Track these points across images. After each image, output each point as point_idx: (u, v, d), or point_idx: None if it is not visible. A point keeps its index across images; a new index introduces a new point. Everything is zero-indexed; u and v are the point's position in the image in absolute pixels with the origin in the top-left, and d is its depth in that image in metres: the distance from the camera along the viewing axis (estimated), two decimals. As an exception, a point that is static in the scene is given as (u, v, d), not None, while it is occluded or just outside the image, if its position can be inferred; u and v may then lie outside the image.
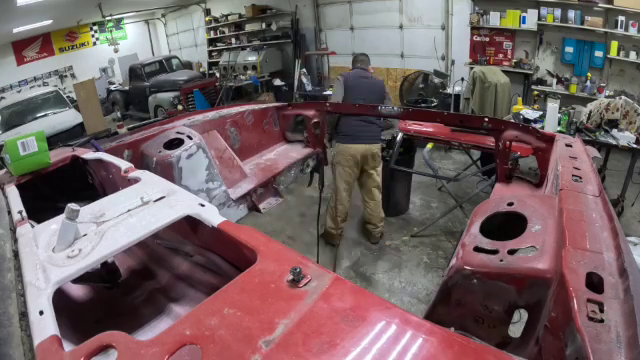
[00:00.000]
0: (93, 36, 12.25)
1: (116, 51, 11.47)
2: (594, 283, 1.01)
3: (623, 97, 4.22)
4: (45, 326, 1.05)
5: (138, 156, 2.68)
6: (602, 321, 0.89)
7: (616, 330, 0.87)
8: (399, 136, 4.00)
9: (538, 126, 4.10)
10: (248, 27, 10.75)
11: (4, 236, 1.50)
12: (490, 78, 5.42)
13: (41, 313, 1.09)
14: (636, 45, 5.33)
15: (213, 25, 11.72)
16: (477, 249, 1.33)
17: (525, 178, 2.60)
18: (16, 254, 1.41)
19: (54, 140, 5.67)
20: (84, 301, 1.96)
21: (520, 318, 1.36)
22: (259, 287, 1.13)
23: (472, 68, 6.39)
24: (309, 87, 7.99)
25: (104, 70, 12.57)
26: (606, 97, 5.05)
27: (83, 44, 12.10)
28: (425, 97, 6.52)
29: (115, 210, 1.59)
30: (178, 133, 2.74)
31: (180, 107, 8.51)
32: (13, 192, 1.94)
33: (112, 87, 11.28)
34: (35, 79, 11.23)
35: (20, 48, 10.74)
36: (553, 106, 4.23)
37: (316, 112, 3.32)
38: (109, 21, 10.84)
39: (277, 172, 3.10)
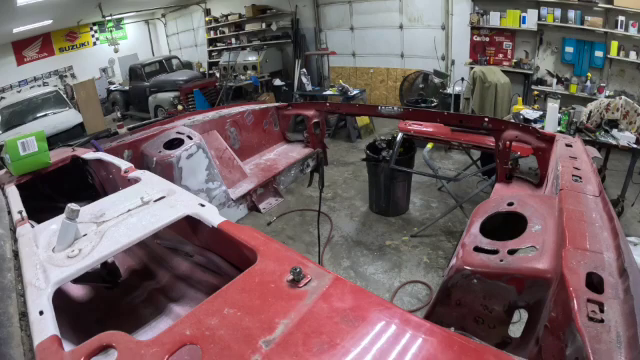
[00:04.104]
0: (93, 36, 12.24)
1: (116, 51, 11.44)
2: (594, 283, 1.01)
3: (623, 97, 4.21)
4: (45, 326, 1.05)
5: (138, 156, 2.69)
6: (602, 321, 0.89)
7: (616, 330, 0.86)
8: (399, 136, 3.99)
9: (538, 126, 4.09)
10: (248, 27, 10.75)
11: (4, 236, 1.49)
12: (490, 78, 5.43)
13: (41, 313, 1.09)
14: (636, 45, 5.32)
15: (213, 25, 11.71)
16: (477, 249, 1.33)
17: (525, 178, 2.60)
18: (16, 254, 1.41)
19: (54, 140, 5.69)
20: (84, 301, 1.95)
21: (520, 318, 1.35)
22: (259, 287, 1.12)
23: (472, 68, 6.39)
24: (309, 87, 7.96)
25: (104, 70, 12.56)
26: (606, 97, 5.05)
27: (83, 44, 12.08)
28: (425, 97, 6.51)
29: (115, 210, 1.59)
30: (178, 133, 2.74)
31: (180, 107, 8.50)
32: (13, 192, 1.94)
33: (112, 87, 11.29)
34: (35, 79, 11.21)
35: (20, 48, 10.72)
36: (553, 106, 4.23)
37: (316, 112, 3.33)
38: (109, 21, 10.81)
39: (277, 172, 3.11)
